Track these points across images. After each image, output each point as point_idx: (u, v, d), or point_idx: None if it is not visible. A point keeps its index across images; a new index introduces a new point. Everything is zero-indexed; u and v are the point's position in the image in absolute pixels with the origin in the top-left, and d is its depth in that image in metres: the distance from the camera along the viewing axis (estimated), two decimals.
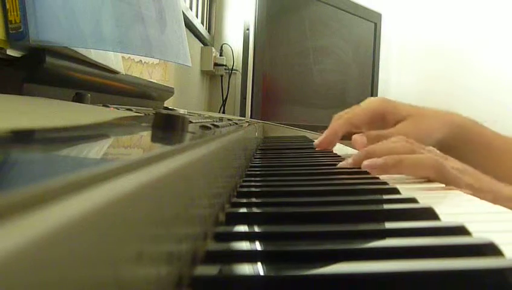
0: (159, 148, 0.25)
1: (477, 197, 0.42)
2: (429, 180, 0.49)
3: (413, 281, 0.19)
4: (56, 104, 0.49)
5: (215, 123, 0.54)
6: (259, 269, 0.20)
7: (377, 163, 0.49)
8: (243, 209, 0.31)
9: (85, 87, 0.65)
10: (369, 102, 0.77)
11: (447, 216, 0.29)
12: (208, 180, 0.26)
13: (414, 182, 0.48)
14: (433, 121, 0.75)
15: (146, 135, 0.30)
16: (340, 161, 0.59)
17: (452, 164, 0.54)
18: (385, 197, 0.37)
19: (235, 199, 0.35)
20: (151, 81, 1.13)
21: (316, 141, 0.76)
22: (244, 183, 0.43)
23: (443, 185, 0.47)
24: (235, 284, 0.19)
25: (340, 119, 0.75)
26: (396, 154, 0.51)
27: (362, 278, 0.19)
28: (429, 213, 0.30)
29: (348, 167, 0.53)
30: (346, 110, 0.77)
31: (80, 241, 0.10)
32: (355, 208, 0.32)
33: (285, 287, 0.19)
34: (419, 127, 0.71)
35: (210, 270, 0.20)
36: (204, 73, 2.16)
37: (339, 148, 0.79)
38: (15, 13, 0.50)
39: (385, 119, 0.75)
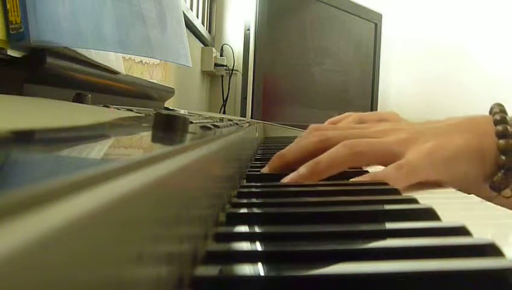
0: (159, 148, 0.25)
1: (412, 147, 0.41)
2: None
3: (413, 281, 0.19)
4: (56, 104, 0.49)
5: (216, 124, 0.54)
6: (259, 269, 0.20)
7: (294, 178, 0.44)
8: (244, 210, 0.31)
9: (85, 87, 0.65)
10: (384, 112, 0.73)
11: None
12: (209, 180, 0.26)
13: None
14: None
15: (146, 135, 0.30)
16: None
17: (378, 127, 0.50)
18: (385, 197, 0.37)
19: (235, 200, 0.35)
20: (151, 82, 1.13)
21: None
22: (245, 184, 0.43)
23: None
24: (236, 284, 0.19)
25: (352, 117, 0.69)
26: (306, 153, 0.47)
27: (363, 278, 0.19)
28: (430, 213, 0.30)
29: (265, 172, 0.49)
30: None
31: (80, 242, 0.10)
32: (356, 209, 0.32)
33: (285, 288, 0.19)
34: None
35: (210, 270, 0.20)
36: (204, 73, 2.16)
37: None
38: (15, 13, 0.50)
39: None
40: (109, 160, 0.20)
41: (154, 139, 0.29)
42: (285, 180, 0.44)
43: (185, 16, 1.31)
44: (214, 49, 2.17)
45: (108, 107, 0.59)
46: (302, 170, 0.45)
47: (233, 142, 0.42)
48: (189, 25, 1.73)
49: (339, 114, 0.77)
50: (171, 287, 0.17)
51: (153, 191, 0.15)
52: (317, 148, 0.48)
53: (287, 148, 0.50)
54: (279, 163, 0.49)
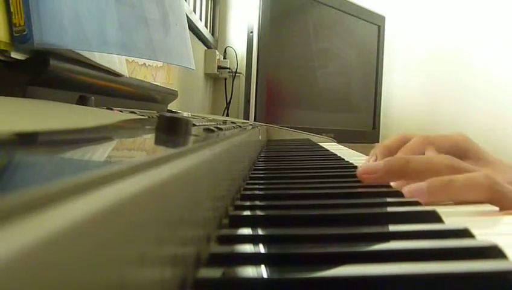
0: (162, 151, 0.25)
1: None
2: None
3: (416, 283, 0.19)
4: (60, 106, 0.49)
5: (219, 126, 0.54)
6: (262, 271, 0.20)
7: (422, 188, 0.40)
8: (247, 212, 0.31)
9: (89, 90, 0.65)
10: (453, 134, 0.65)
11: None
12: (212, 183, 0.26)
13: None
14: None
15: (150, 137, 0.31)
16: (343, 165, 0.58)
17: None
18: (389, 199, 0.37)
19: (238, 202, 0.35)
20: (155, 84, 1.13)
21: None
22: (248, 186, 0.43)
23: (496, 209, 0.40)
24: (239, 286, 0.19)
25: (417, 137, 0.64)
26: (435, 168, 0.43)
27: (366, 280, 0.19)
28: (433, 216, 0.30)
29: (375, 170, 0.45)
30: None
31: (83, 244, 0.10)
32: (359, 211, 0.32)
33: None
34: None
35: (213, 272, 0.20)
36: (208, 76, 2.16)
37: (342, 152, 0.79)
38: (19, 16, 0.50)
39: (466, 157, 0.62)
40: (112, 162, 0.20)
41: (158, 141, 0.29)
42: (407, 188, 0.40)
43: (188, 19, 1.31)
44: (217, 52, 2.17)
45: (111, 109, 0.59)
46: (429, 183, 0.40)
47: (236, 145, 0.42)
48: (193, 28, 1.73)
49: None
50: (174, 289, 0.17)
51: (156, 193, 0.15)
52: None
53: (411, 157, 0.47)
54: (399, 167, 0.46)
